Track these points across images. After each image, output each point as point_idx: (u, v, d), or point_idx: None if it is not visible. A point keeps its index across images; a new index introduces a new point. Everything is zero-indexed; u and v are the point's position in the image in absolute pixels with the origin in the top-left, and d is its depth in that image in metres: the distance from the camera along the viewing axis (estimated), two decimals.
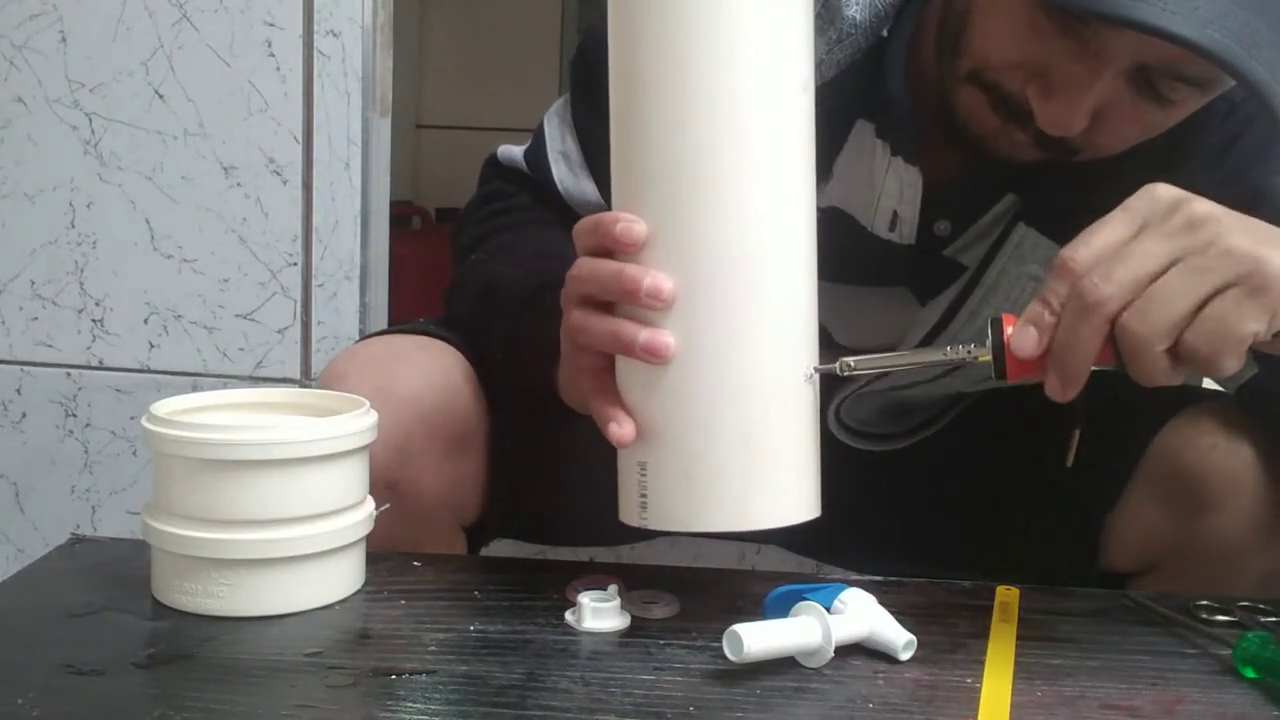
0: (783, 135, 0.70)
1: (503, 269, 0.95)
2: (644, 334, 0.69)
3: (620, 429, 0.71)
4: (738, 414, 0.70)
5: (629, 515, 0.74)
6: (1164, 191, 0.66)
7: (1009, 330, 0.68)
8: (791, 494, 0.72)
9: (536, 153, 1.03)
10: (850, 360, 0.73)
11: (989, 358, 0.69)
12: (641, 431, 0.71)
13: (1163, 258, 0.64)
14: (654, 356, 0.69)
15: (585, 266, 0.73)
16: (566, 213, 1.02)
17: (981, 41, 0.81)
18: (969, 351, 0.70)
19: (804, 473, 0.72)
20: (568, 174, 1.01)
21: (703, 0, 0.68)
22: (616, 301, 0.71)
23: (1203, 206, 0.65)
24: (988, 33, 0.80)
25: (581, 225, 0.74)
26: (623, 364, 0.73)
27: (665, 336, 0.69)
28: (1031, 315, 0.67)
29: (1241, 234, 0.64)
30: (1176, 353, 0.65)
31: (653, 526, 0.72)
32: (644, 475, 0.71)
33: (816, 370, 0.72)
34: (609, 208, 1.01)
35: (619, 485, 0.75)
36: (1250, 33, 0.72)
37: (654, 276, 0.69)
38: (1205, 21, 0.71)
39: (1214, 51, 0.71)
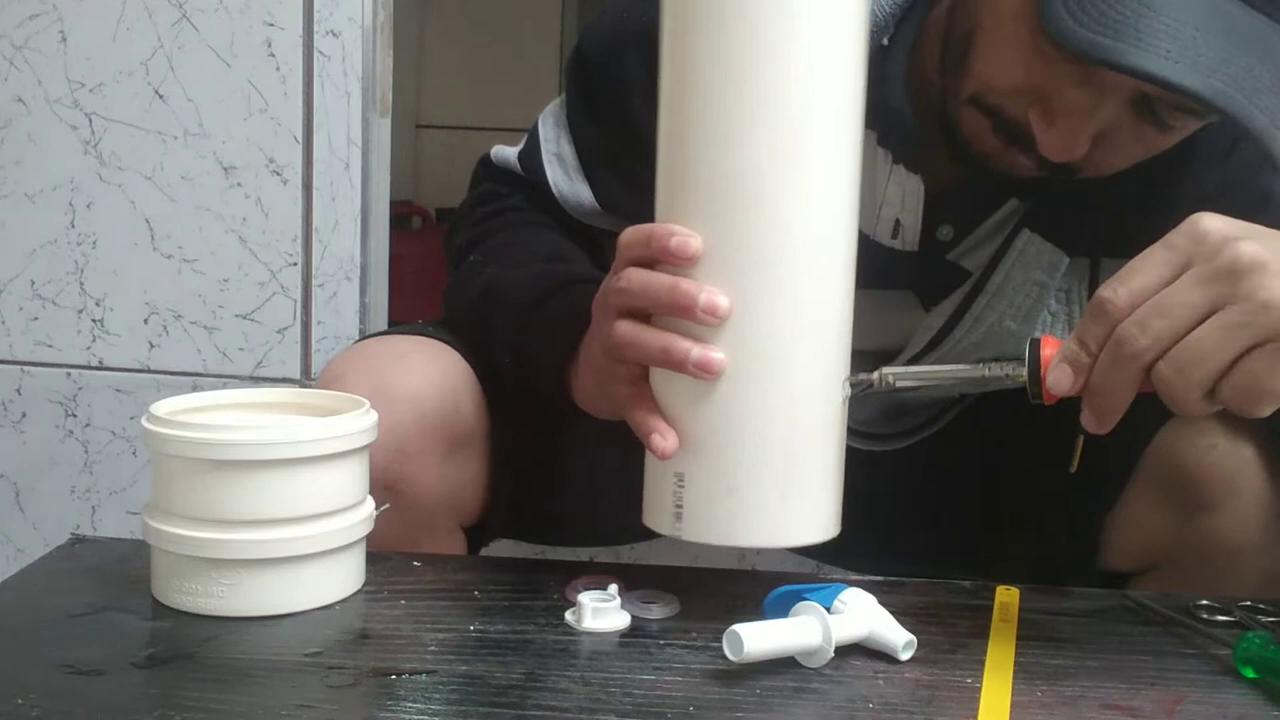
0: (840, 156, 0.71)
1: (503, 272, 0.95)
2: (696, 350, 0.69)
3: (664, 441, 0.71)
4: (782, 430, 0.71)
5: (660, 524, 0.74)
6: (1211, 226, 0.65)
7: (1046, 352, 0.69)
8: (825, 510, 0.73)
9: (531, 154, 1.03)
10: (889, 372, 0.74)
11: (1024, 379, 0.70)
12: (682, 444, 0.72)
13: (1201, 308, 0.64)
14: (706, 373, 0.69)
15: (636, 279, 0.72)
16: (560, 215, 1.02)
17: (985, 65, 0.80)
18: (1008, 372, 0.71)
19: (834, 490, 0.74)
20: (562, 176, 1.01)
21: (768, 15, 0.68)
22: (664, 315, 0.71)
23: (1249, 249, 0.63)
24: (991, 57, 0.80)
25: (632, 235, 0.73)
26: (663, 376, 0.73)
27: (717, 353, 0.69)
28: (1068, 355, 0.68)
29: None
30: (1211, 396, 0.65)
31: (688, 538, 0.72)
32: (681, 487, 0.72)
33: (853, 381, 0.73)
34: (602, 210, 1.01)
35: (647, 492, 0.75)
36: (1252, 79, 0.72)
37: (709, 293, 0.69)
38: (1208, 70, 0.71)
39: (1216, 103, 0.71)
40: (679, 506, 0.72)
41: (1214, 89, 0.71)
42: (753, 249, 0.70)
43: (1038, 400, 0.70)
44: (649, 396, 0.73)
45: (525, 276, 0.92)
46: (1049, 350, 0.69)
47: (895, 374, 0.74)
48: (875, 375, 0.74)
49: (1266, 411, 0.65)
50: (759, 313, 0.70)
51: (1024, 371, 0.70)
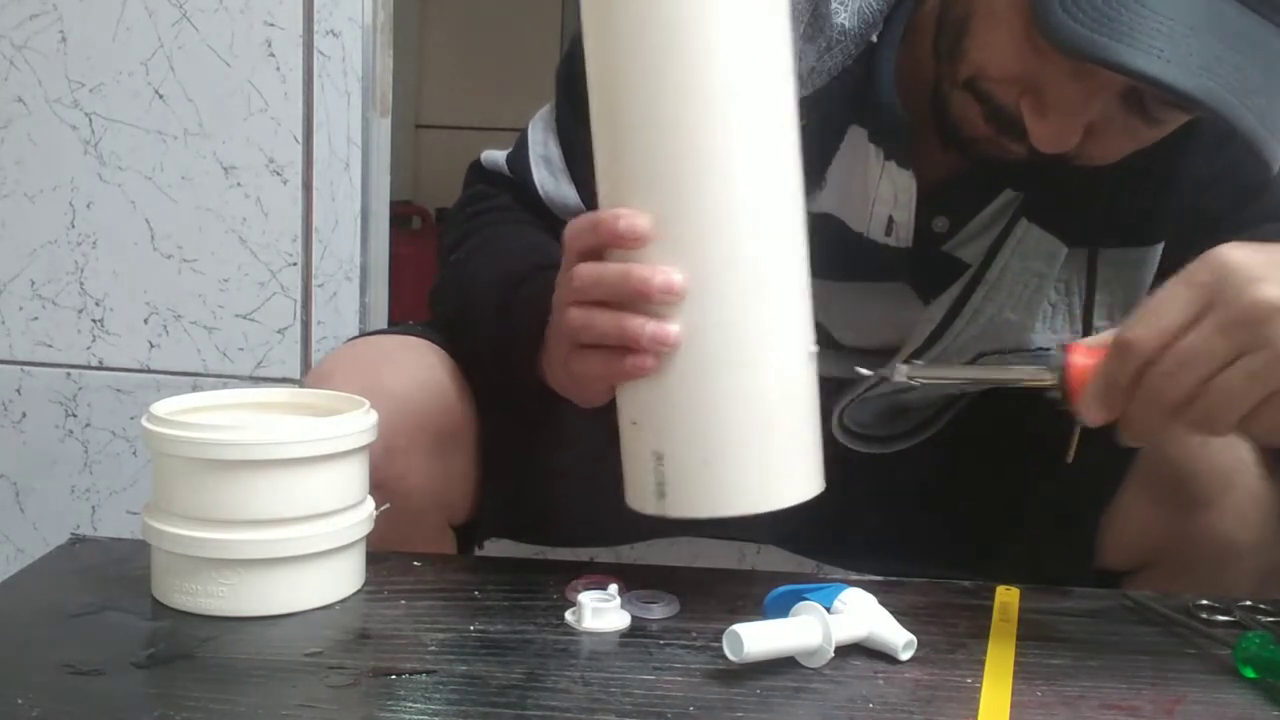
0: (776, 123, 0.71)
1: (482, 267, 0.96)
2: (650, 325, 0.70)
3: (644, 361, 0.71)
4: (752, 398, 0.71)
5: (643, 504, 0.74)
6: (1233, 262, 0.65)
7: (1076, 361, 0.70)
8: (803, 470, 0.74)
9: (519, 157, 1.03)
10: (903, 368, 0.75)
11: (1053, 381, 0.71)
12: (656, 423, 0.72)
13: (1225, 356, 0.65)
14: (663, 346, 0.70)
15: (588, 273, 0.73)
16: (547, 216, 1.02)
17: (979, 52, 0.81)
18: (1038, 377, 0.72)
19: (812, 448, 0.74)
20: (548, 178, 1.01)
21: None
22: (623, 302, 0.72)
23: (1269, 294, 0.64)
24: (986, 44, 0.80)
25: (577, 225, 0.74)
26: None
27: (672, 325, 0.70)
28: (1099, 394, 0.69)
29: None
30: (1239, 431, 0.68)
31: (672, 515, 0.73)
32: (661, 465, 0.72)
33: (871, 377, 0.75)
34: (590, 210, 1.01)
35: (627, 474, 0.75)
36: (1242, 79, 0.72)
37: (664, 273, 0.70)
38: (1199, 69, 0.71)
39: (1206, 103, 0.72)
40: (660, 484, 0.73)
41: (1205, 89, 0.71)
42: (699, 221, 0.70)
43: (1069, 406, 0.71)
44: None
45: (501, 270, 0.93)
46: (1078, 359, 0.70)
47: (910, 369, 0.75)
48: (893, 371, 0.74)
49: None
50: (713, 283, 0.70)
51: (1054, 381, 0.71)
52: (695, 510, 0.73)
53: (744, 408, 0.71)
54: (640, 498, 0.74)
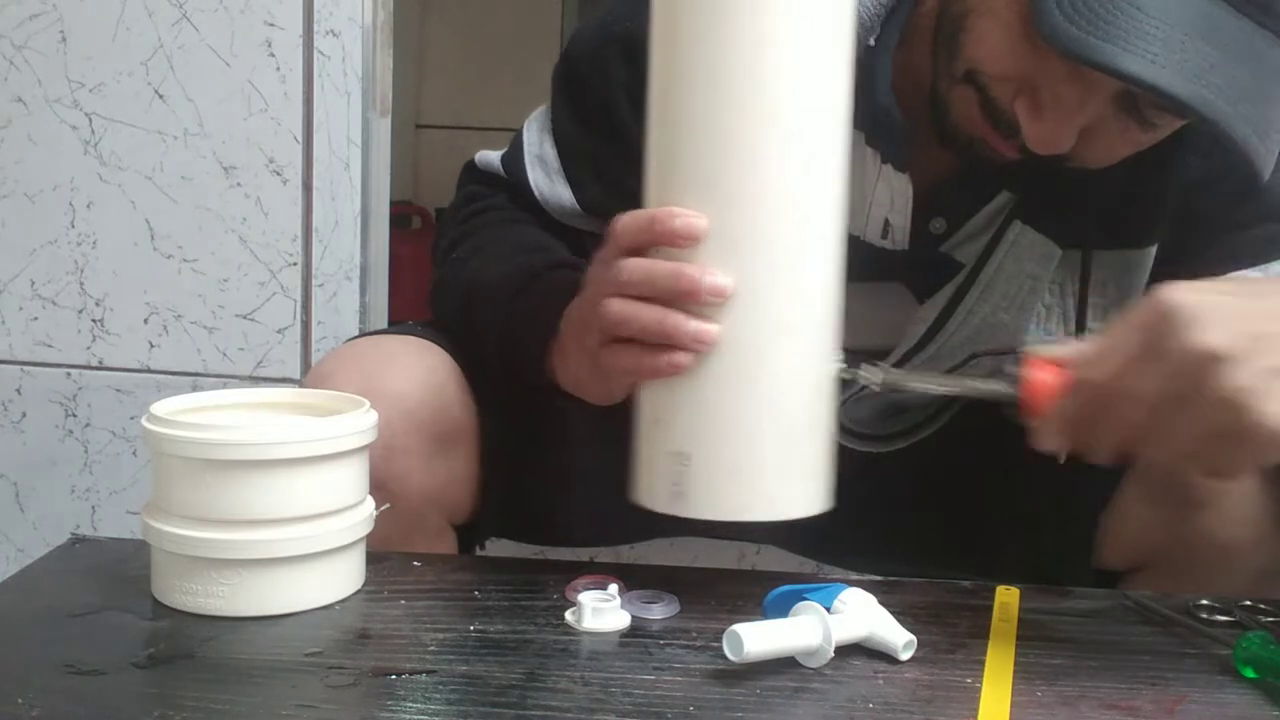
0: (829, 141, 0.72)
1: (485, 266, 0.96)
2: (692, 324, 0.71)
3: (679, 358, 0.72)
4: (783, 407, 0.72)
5: (654, 501, 0.74)
6: (1176, 305, 0.66)
7: (1035, 376, 0.71)
8: (820, 481, 0.75)
9: (513, 157, 1.04)
10: (873, 371, 0.75)
11: (1011, 394, 0.72)
12: (682, 423, 0.72)
13: (1163, 399, 0.66)
14: (701, 345, 0.71)
15: (637, 267, 0.73)
16: (541, 216, 1.03)
17: (976, 50, 0.81)
18: (995, 391, 0.73)
19: (828, 461, 0.75)
20: (543, 178, 1.02)
21: (745, 4, 0.70)
22: (669, 301, 0.72)
23: (1208, 341, 0.64)
24: (983, 42, 0.80)
25: (629, 221, 0.74)
26: None
27: (712, 326, 0.71)
28: (1056, 429, 0.70)
29: (1243, 373, 0.64)
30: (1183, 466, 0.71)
31: (689, 515, 0.73)
32: (685, 466, 0.72)
33: (842, 375, 0.74)
34: (582, 211, 1.02)
35: (642, 472, 0.75)
36: (1235, 86, 0.73)
37: (714, 275, 0.70)
38: (1193, 75, 0.72)
39: (1199, 109, 0.72)
40: (677, 484, 0.73)
41: (1197, 95, 0.72)
42: (749, 228, 0.71)
43: (1018, 420, 0.72)
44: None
45: (506, 268, 0.93)
46: (1035, 375, 0.71)
47: (886, 374, 0.76)
48: (863, 372, 0.74)
49: (1230, 480, 0.72)
50: (759, 289, 0.71)
51: (1012, 393, 0.72)
52: (715, 513, 0.73)
53: (774, 416, 0.72)
54: (653, 495, 0.75)
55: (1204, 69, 0.72)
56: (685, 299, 0.71)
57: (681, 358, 0.71)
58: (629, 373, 0.75)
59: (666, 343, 0.72)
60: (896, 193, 0.91)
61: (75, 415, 1.51)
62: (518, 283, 0.90)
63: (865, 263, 0.95)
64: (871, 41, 0.88)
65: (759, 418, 0.72)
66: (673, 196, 0.72)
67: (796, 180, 0.71)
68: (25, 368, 1.51)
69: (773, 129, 0.70)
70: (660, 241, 0.72)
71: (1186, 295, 0.66)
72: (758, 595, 0.75)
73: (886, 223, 0.93)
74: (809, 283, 0.72)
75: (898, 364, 0.99)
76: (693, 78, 0.71)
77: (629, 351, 0.74)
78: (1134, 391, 0.66)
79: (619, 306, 0.74)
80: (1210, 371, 0.64)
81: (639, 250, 0.73)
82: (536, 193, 1.01)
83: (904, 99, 0.88)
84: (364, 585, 0.80)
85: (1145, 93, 0.74)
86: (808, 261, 0.72)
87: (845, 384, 1.02)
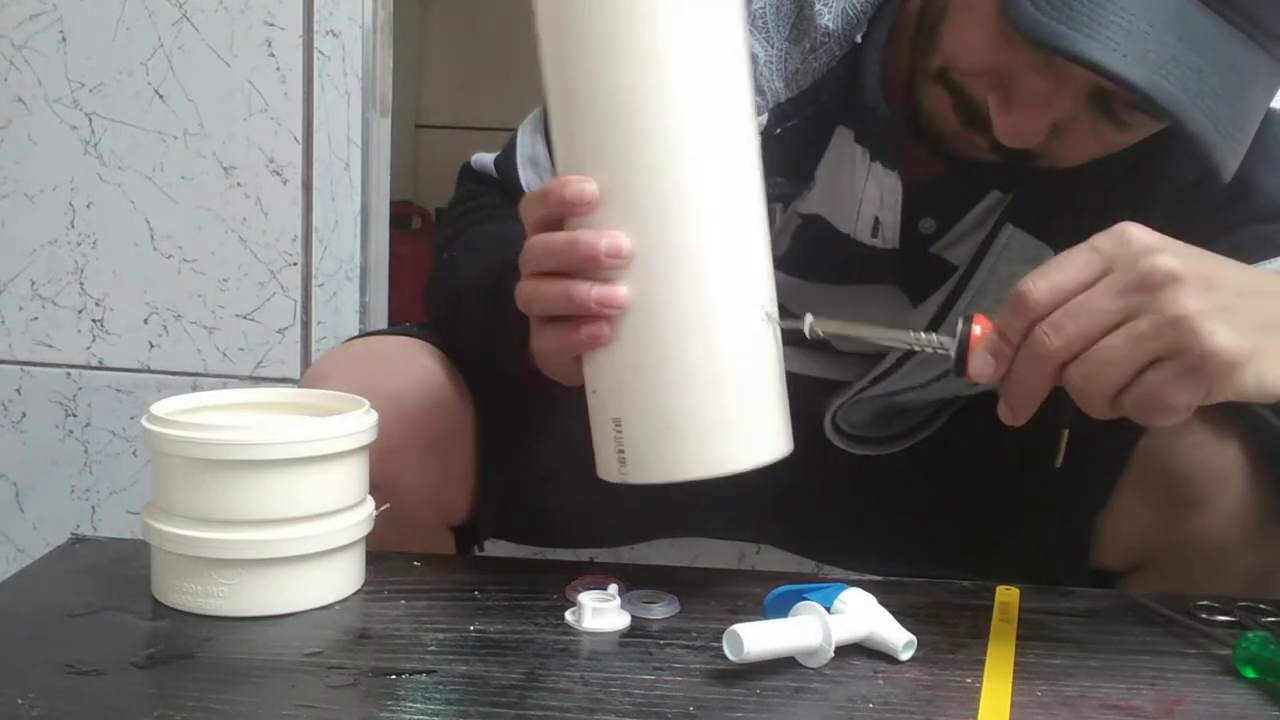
0: (726, 85, 0.71)
1: (471, 262, 0.96)
2: (596, 289, 0.70)
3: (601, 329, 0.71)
4: (705, 361, 0.71)
5: (608, 473, 0.74)
6: (1135, 235, 0.66)
7: (976, 331, 0.69)
8: (765, 433, 0.73)
9: (506, 159, 1.04)
10: (815, 321, 0.73)
11: (951, 348, 0.70)
12: (612, 390, 0.72)
13: (1113, 315, 0.65)
14: (610, 308, 0.70)
15: (538, 243, 0.73)
16: None
17: (952, 43, 0.81)
18: (937, 344, 0.71)
19: (774, 410, 0.74)
20: (534, 179, 1.02)
21: None
22: (575, 270, 0.72)
23: (1166, 262, 0.64)
24: (959, 35, 0.81)
25: (529, 199, 0.75)
26: None
27: (618, 287, 0.70)
28: (991, 345, 0.69)
29: (1197, 298, 0.64)
30: (1117, 403, 0.67)
31: (634, 481, 0.73)
32: (620, 432, 0.72)
33: (783, 326, 0.73)
34: None
35: (595, 446, 0.75)
36: (1199, 81, 0.72)
37: (610, 236, 0.70)
38: (1155, 66, 0.71)
39: (1157, 99, 0.72)
40: (621, 451, 0.72)
41: (1157, 86, 0.71)
42: (646, 185, 0.70)
43: (961, 377, 0.70)
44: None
45: (489, 261, 0.93)
46: (979, 329, 0.70)
47: (822, 323, 0.73)
48: (801, 322, 0.73)
49: (1163, 423, 0.67)
50: (663, 247, 0.70)
51: (953, 347, 0.70)
52: (653, 475, 0.72)
53: (697, 371, 0.71)
54: (606, 467, 0.74)
55: (1165, 60, 0.72)
56: (588, 264, 0.71)
57: (600, 328, 0.71)
58: (559, 351, 0.75)
59: (577, 313, 0.72)
60: (886, 190, 0.91)
61: (75, 415, 1.51)
62: (499, 274, 0.90)
63: (858, 264, 0.95)
64: (859, 39, 0.88)
65: (681, 374, 0.71)
66: (573, 166, 0.72)
67: (691, 133, 0.70)
68: (25, 368, 1.51)
69: (660, 78, 0.69)
70: (557, 211, 0.72)
71: (1144, 230, 0.66)
72: (758, 595, 0.75)
73: (876, 221, 0.93)
74: (718, 235, 0.71)
75: (893, 368, 0.99)
76: (572, 37, 0.71)
77: (552, 330, 0.74)
78: (1081, 304, 0.65)
79: (526, 287, 0.74)
80: (1167, 289, 0.64)
81: (551, 226, 0.73)
82: (527, 192, 1.02)
83: (892, 96, 0.88)
84: (364, 585, 0.80)
85: (1112, 86, 0.74)
86: (714, 214, 0.71)
87: (845, 387, 1.02)
